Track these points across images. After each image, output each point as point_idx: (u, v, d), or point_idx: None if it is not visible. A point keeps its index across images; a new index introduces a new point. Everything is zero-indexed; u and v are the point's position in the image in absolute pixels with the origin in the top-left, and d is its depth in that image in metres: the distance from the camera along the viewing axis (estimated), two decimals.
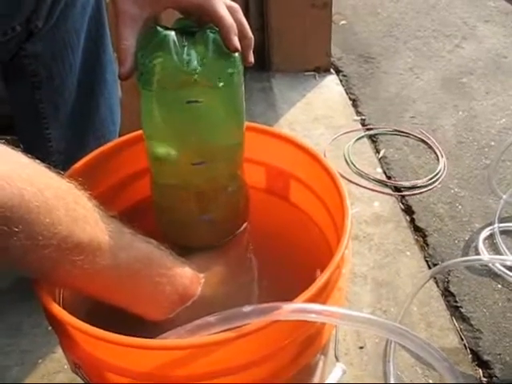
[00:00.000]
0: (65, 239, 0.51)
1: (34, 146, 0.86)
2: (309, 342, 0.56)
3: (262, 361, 0.52)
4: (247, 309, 0.49)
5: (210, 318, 0.50)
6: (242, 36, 0.64)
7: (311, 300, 0.52)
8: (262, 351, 0.51)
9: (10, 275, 1.03)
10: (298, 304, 0.50)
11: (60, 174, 0.55)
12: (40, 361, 0.92)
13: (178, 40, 0.60)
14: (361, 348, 0.95)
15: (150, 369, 0.50)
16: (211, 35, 0.61)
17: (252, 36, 0.65)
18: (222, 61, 0.61)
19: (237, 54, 0.62)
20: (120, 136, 0.97)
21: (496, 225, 1.16)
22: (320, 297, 0.54)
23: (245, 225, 0.77)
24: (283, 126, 1.50)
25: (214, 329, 0.50)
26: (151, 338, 0.52)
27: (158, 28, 0.62)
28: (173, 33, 0.61)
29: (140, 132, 0.73)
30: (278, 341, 0.52)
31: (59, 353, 0.93)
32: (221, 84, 0.61)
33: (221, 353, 0.49)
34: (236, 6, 0.65)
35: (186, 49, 0.60)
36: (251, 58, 0.65)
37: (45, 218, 0.49)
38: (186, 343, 0.49)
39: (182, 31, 0.62)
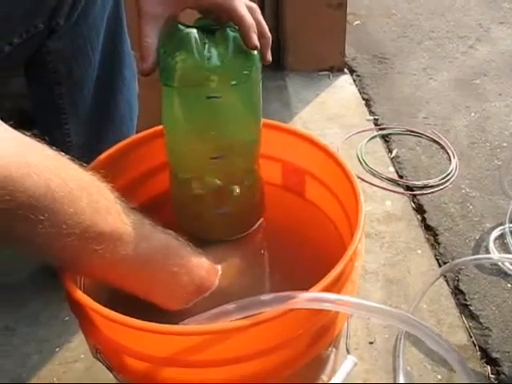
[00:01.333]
0: (87, 228, 0.53)
1: (53, 141, 0.87)
2: (322, 332, 0.58)
3: (276, 348, 0.54)
4: (265, 297, 0.51)
5: (229, 306, 0.52)
6: (261, 35, 0.66)
7: (325, 290, 0.54)
8: (277, 339, 0.53)
9: (29, 267, 1.06)
10: (313, 293, 0.52)
11: (83, 166, 0.57)
12: (57, 349, 0.95)
13: (199, 38, 0.62)
14: (371, 343, 0.96)
15: (168, 354, 0.52)
16: (231, 33, 0.63)
17: (270, 35, 0.67)
18: (242, 58, 0.63)
19: (256, 52, 0.64)
20: (138, 131, 0.99)
21: (507, 225, 1.16)
22: (334, 288, 0.56)
23: (260, 220, 0.78)
24: (297, 125, 1.51)
25: (232, 316, 0.52)
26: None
27: (180, 26, 0.64)
28: (194, 30, 0.63)
29: (159, 127, 0.75)
30: (293, 329, 0.54)
31: (75, 342, 0.95)
32: (240, 81, 0.63)
33: (237, 339, 0.51)
34: (255, 6, 0.67)
35: (206, 46, 0.62)
36: (269, 57, 0.67)
37: (69, 208, 0.51)
38: (204, 329, 0.51)
39: (202, 29, 0.64)
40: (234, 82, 0.63)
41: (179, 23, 0.65)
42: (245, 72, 0.63)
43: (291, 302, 0.51)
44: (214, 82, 0.62)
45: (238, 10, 0.64)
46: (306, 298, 0.51)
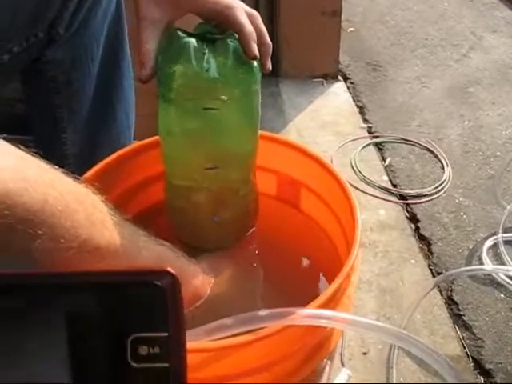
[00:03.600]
0: (85, 242, 0.53)
1: (50, 149, 0.88)
2: (318, 348, 0.58)
3: (273, 364, 0.54)
4: (263, 313, 0.51)
5: (227, 321, 0.52)
6: (261, 43, 0.65)
7: (322, 306, 0.54)
8: (274, 355, 0.53)
9: None
10: (311, 310, 0.52)
11: (77, 179, 0.56)
12: None
13: (198, 47, 0.62)
14: (364, 354, 0.96)
15: None
16: (231, 44, 0.62)
17: (270, 43, 0.67)
18: (241, 70, 0.63)
19: (255, 64, 0.64)
20: (134, 139, 0.99)
21: (500, 235, 1.17)
22: (330, 303, 0.56)
23: (253, 229, 0.78)
24: (291, 132, 1.51)
25: (230, 331, 0.52)
26: None
27: (180, 33, 0.63)
28: (193, 40, 0.62)
29: (155, 138, 0.75)
30: (290, 345, 0.54)
31: None
32: (238, 93, 0.63)
33: (235, 356, 0.51)
34: (256, 13, 0.67)
35: (205, 56, 0.62)
36: (269, 65, 0.67)
37: (66, 222, 0.51)
38: (202, 346, 0.51)
39: (202, 38, 0.64)
40: (232, 95, 0.62)
41: (179, 30, 0.65)
42: (243, 84, 0.63)
43: (289, 318, 0.51)
44: (211, 93, 0.62)
45: (238, 18, 0.64)
46: (303, 315, 0.51)
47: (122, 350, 0.30)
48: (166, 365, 0.31)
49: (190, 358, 0.51)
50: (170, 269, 0.33)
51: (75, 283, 0.32)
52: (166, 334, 0.31)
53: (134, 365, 0.31)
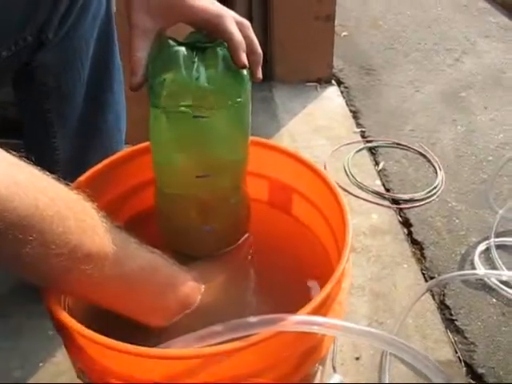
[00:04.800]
0: (75, 248, 0.53)
1: (41, 154, 0.88)
2: (309, 354, 0.58)
3: (264, 371, 0.54)
4: (253, 319, 0.51)
5: (217, 327, 0.52)
6: (251, 52, 0.65)
7: (313, 313, 0.54)
8: (265, 361, 0.53)
9: (11, 279, 1.05)
10: (302, 316, 0.52)
11: (68, 185, 0.56)
12: (41, 364, 0.94)
13: (188, 56, 0.62)
14: (357, 359, 0.96)
15: (155, 377, 0.52)
16: (221, 52, 0.63)
17: (261, 52, 0.67)
18: (231, 78, 0.63)
19: (245, 72, 0.64)
20: (125, 144, 0.99)
21: (492, 239, 1.17)
22: (321, 310, 0.56)
23: (246, 236, 0.78)
24: (284, 137, 1.51)
25: (220, 337, 0.52)
26: (153, 343, 0.54)
27: (170, 42, 0.64)
28: (183, 48, 0.62)
29: (146, 144, 0.75)
30: (281, 351, 0.54)
31: (59, 356, 0.94)
32: (228, 101, 0.63)
33: (227, 362, 0.51)
34: (246, 22, 0.67)
35: (195, 65, 0.62)
36: (259, 74, 0.67)
37: (57, 228, 0.51)
38: (192, 353, 0.51)
39: (192, 46, 0.64)
40: (221, 103, 0.62)
41: (170, 38, 0.65)
42: (233, 92, 0.63)
43: (280, 325, 0.51)
44: (201, 102, 0.62)
45: (227, 28, 0.64)
46: (294, 321, 0.51)
47: None
48: None
49: (181, 365, 0.51)
50: None
51: None
52: None
53: None
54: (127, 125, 1.00)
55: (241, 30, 0.65)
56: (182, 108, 0.62)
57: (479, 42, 2.00)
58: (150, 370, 0.52)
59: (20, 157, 0.52)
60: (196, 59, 0.62)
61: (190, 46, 0.64)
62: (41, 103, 0.86)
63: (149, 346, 0.52)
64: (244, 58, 0.63)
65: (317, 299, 0.54)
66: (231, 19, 0.65)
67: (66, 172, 0.58)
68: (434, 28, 2.09)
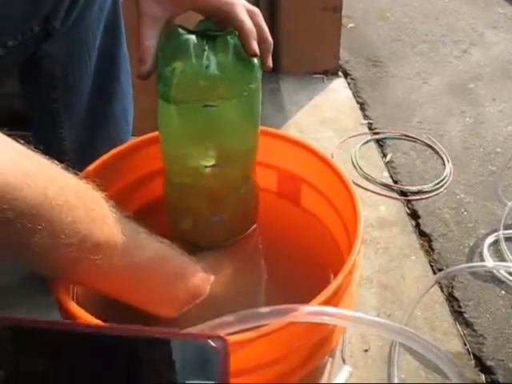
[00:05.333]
0: (84, 238, 0.52)
1: (48, 145, 0.87)
2: (320, 345, 0.57)
3: (276, 361, 0.53)
4: (264, 310, 0.51)
5: (228, 318, 0.52)
6: (262, 40, 0.65)
7: (324, 303, 0.53)
8: (277, 352, 0.53)
9: (20, 271, 1.04)
10: (314, 306, 0.51)
11: (77, 174, 0.56)
12: None
13: (198, 44, 0.61)
14: (365, 351, 0.96)
15: None
16: (231, 41, 0.62)
17: (271, 40, 0.66)
18: (241, 67, 0.62)
19: (256, 61, 0.63)
20: (133, 134, 0.99)
21: (501, 231, 1.16)
22: (332, 300, 0.55)
23: (254, 226, 0.78)
24: (291, 129, 1.51)
25: (231, 328, 0.51)
26: None
27: (179, 30, 0.63)
28: (193, 36, 0.62)
29: (154, 134, 0.74)
30: (293, 342, 0.53)
31: None
32: (239, 90, 0.62)
33: (238, 353, 0.50)
34: (256, 10, 0.66)
35: (205, 53, 0.61)
36: (270, 63, 0.66)
37: (66, 217, 0.50)
38: None
39: (202, 34, 0.63)
40: (232, 92, 0.62)
41: (179, 26, 0.64)
42: (244, 81, 0.62)
43: (291, 315, 0.50)
44: (211, 90, 0.61)
45: (238, 15, 0.63)
46: (306, 312, 0.51)
47: None
48: None
49: None
50: (223, 335, 0.37)
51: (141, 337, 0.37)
52: None
53: None
54: (134, 117, 0.99)
55: (251, 18, 0.64)
56: (192, 97, 0.62)
57: (487, 33, 1.99)
58: None
59: (28, 146, 0.52)
60: (206, 47, 0.61)
61: (200, 35, 0.63)
62: (48, 94, 0.85)
63: None
64: (255, 46, 0.62)
65: (328, 290, 0.54)
66: (242, 7, 0.64)
67: (74, 162, 0.57)
68: (442, 19, 2.08)
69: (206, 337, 0.37)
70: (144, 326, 0.53)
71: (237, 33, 0.63)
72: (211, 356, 0.36)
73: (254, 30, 0.63)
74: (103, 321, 0.53)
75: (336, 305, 0.57)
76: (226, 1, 0.64)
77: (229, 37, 0.62)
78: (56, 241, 0.50)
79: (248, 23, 0.63)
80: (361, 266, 0.64)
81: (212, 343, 0.36)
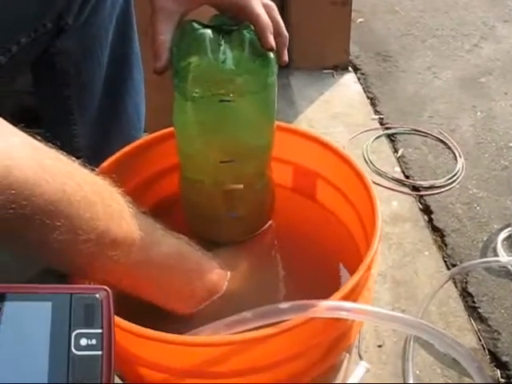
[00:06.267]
0: (102, 234, 0.52)
1: (61, 142, 0.86)
2: (339, 340, 0.57)
3: (295, 357, 0.53)
4: (284, 305, 0.50)
5: (247, 314, 0.51)
6: (277, 34, 0.64)
7: (344, 299, 0.53)
8: (296, 348, 0.53)
9: (33, 266, 1.04)
10: (333, 302, 0.51)
11: (93, 170, 0.56)
12: None
13: (214, 38, 0.61)
14: (379, 346, 0.95)
15: (186, 365, 0.52)
16: (247, 35, 0.61)
17: (287, 34, 0.66)
18: (257, 62, 0.62)
19: (272, 55, 0.63)
20: (145, 131, 0.98)
21: None
22: (352, 296, 0.55)
23: (270, 222, 0.78)
24: (302, 124, 1.50)
25: (250, 324, 0.51)
26: (180, 330, 0.53)
27: (195, 25, 0.62)
28: (209, 31, 0.61)
29: (168, 130, 0.74)
30: (313, 338, 0.53)
31: None
32: (255, 84, 0.62)
33: (257, 349, 0.50)
34: (272, 4, 0.66)
35: (221, 48, 0.61)
36: (286, 57, 0.66)
37: (85, 213, 0.50)
38: (224, 340, 0.50)
39: (218, 29, 0.63)
40: (248, 87, 0.61)
41: (194, 21, 0.64)
42: (260, 76, 0.62)
43: (310, 311, 0.50)
44: (227, 85, 0.61)
45: (254, 9, 0.63)
46: (325, 307, 0.50)
47: (68, 341, 0.41)
48: (100, 353, 0.41)
49: (211, 352, 0.51)
50: (105, 286, 0.44)
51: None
52: (100, 331, 0.42)
53: (76, 352, 0.41)
54: (146, 113, 0.99)
55: (267, 12, 0.64)
56: (208, 92, 0.62)
57: (498, 26, 1.97)
58: (181, 357, 0.52)
59: (45, 143, 0.51)
60: (222, 42, 0.61)
61: (216, 29, 0.62)
62: (61, 91, 0.85)
63: (175, 333, 0.51)
64: (271, 40, 0.62)
65: (348, 285, 0.54)
66: (257, 1, 0.64)
67: (86, 159, 0.57)
68: (452, 13, 2.06)
69: (91, 289, 0.44)
70: (160, 323, 0.54)
71: (252, 27, 0.63)
72: (96, 306, 0.43)
73: (270, 23, 0.63)
74: (118, 315, 0.53)
75: (355, 300, 0.56)
76: None
77: (245, 31, 0.62)
78: (74, 237, 0.50)
79: (264, 17, 0.63)
80: (378, 261, 0.64)
81: (96, 295, 0.43)
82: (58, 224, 0.48)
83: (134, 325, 0.51)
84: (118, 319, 0.52)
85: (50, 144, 0.52)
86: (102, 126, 0.91)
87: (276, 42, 0.63)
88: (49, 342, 0.41)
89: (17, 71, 0.82)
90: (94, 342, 0.41)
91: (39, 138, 0.51)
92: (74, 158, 0.54)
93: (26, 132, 0.50)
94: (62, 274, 0.57)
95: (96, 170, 0.57)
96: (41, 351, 0.41)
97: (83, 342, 0.41)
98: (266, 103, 0.65)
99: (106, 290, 0.44)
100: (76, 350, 0.41)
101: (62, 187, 0.49)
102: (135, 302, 0.60)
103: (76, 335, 0.41)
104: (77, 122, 0.88)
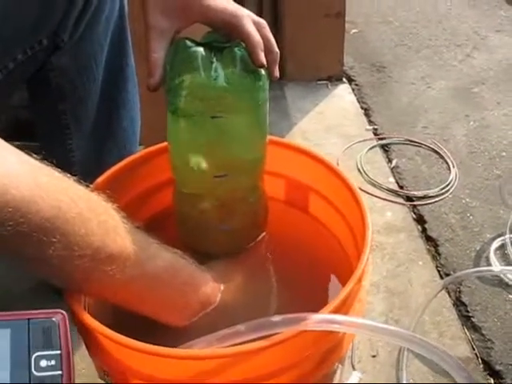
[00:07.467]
0: (98, 250, 0.53)
1: (57, 156, 0.87)
2: (331, 352, 0.58)
3: (286, 370, 0.54)
4: (276, 318, 0.51)
5: (240, 327, 0.52)
6: (268, 51, 0.66)
7: (334, 311, 0.54)
8: (288, 360, 0.53)
9: (29, 278, 1.05)
10: (324, 315, 0.52)
11: (88, 186, 0.57)
12: None
13: (206, 56, 0.62)
14: (373, 356, 0.96)
15: (179, 378, 0.52)
16: (239, 53, 0.63)
17: (278, 51, 0.67)
18: (249, 78, 0.63)
19: (263, 72, 0.64)
20: (140, 144, 0.99)
21: (507, 235, 1.17)
22: (343, 308, 0.56)
23: (263, 234, 0.79)
24: (296, 135, 1.51)
25: (243, 337, 0.52)
26: (173, 343, 0.54)
27: (188, 43, 0.64)
28: (201, 49, 0.63)
29: (162, 144, 0.75)
30: (304, 350, 0.54)
31: (76, 357, 0.94)
32: (246, 101, 0.63)
33: (250, 362, 0.51)
34: (263, 21, 0.67)
35: (213, 65, 0.62)
36: (277, 73, 0.67)
37: (80, 229, 0.51)
38: (216, 353, 0.51)
39: (210, 46, 0.64)
40: (240, 103, 0.63)
41: (187, 39, 0.65)
42: (251, 92, 0.63)
43: (302, 324, 0.51)
44: (219, 102, 0.62)
45: (245, 27, 0.64)
46: (317, 320, 0.51)
47: (28, 364, 0.44)
48: (60, 372, 0.45)
49: (204, 365, 0.51)
50: (60, 310, 0.48)
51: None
52: (59, 352, 0.45)
53: (37, 374, 0.44)
54: (141, 126, 1.00)
55: (258, 30, 0.65)
56: (201, 109, 0.63)
57: (490, 36, 1.99)
58: (174, 370, 0.52)
59: (40, 159, 0.53)
60: (214, 59, 0.62)
61: (208, 47, 0.64)
62: (56, 105, 0.86)
63: (169, 346, 0.52)
64: (262, 57, 0.63)
65: (338, 298, 0.55)
66: (248, 19, 0.65)
67: (81, 173, 0.58)
68: (445, 23, 2.08)
69: (48, 314, 0.47)
70: (154, 335, 0.55)
71: (244, 44, 0.64)
72: (53, 329, 0.46)
73: (261, 41, 0.64)
74: (114, 328, 0.53)
75: (346, 312, 0.57)
76: (233, 13, 0.65)
77: (236, 48, 0.63)
78: (70, 253, 0.51)
79: (255, 35, 0.64)
80: (370, 272, 0.64)
81: (53, 318, 0.46)
82: (54, 240, 0.49)
83: (127, 338, 0.52)
84: (111, 333, 0.53)
85: (45, 160, 0.53)
86: (97, 140, 0.92)
87: (267, 59, 0.64)
88: (9, 366, 0.43)
89: (13, 87, 0.83)
90: (53, 362, 0.45)
91: (35, 154, 0.52)
92: (68, 175, 0.55)
93: (21, 147, 0.51)
94: (57, 288, 0.58)
95: (91, 186, 0.58)
96: (2, 376, 0.43)
97: (43, 363, 0.44)
98: (258, 119, 0.66)
99: (61, 313, 0.47)
100: (36, 371, 0.44)
101: (58, 204, 0.50)
102: (129, 314, 0.60)
103: (36, 357, 0.44)
104: (72, 137, 0.89)
